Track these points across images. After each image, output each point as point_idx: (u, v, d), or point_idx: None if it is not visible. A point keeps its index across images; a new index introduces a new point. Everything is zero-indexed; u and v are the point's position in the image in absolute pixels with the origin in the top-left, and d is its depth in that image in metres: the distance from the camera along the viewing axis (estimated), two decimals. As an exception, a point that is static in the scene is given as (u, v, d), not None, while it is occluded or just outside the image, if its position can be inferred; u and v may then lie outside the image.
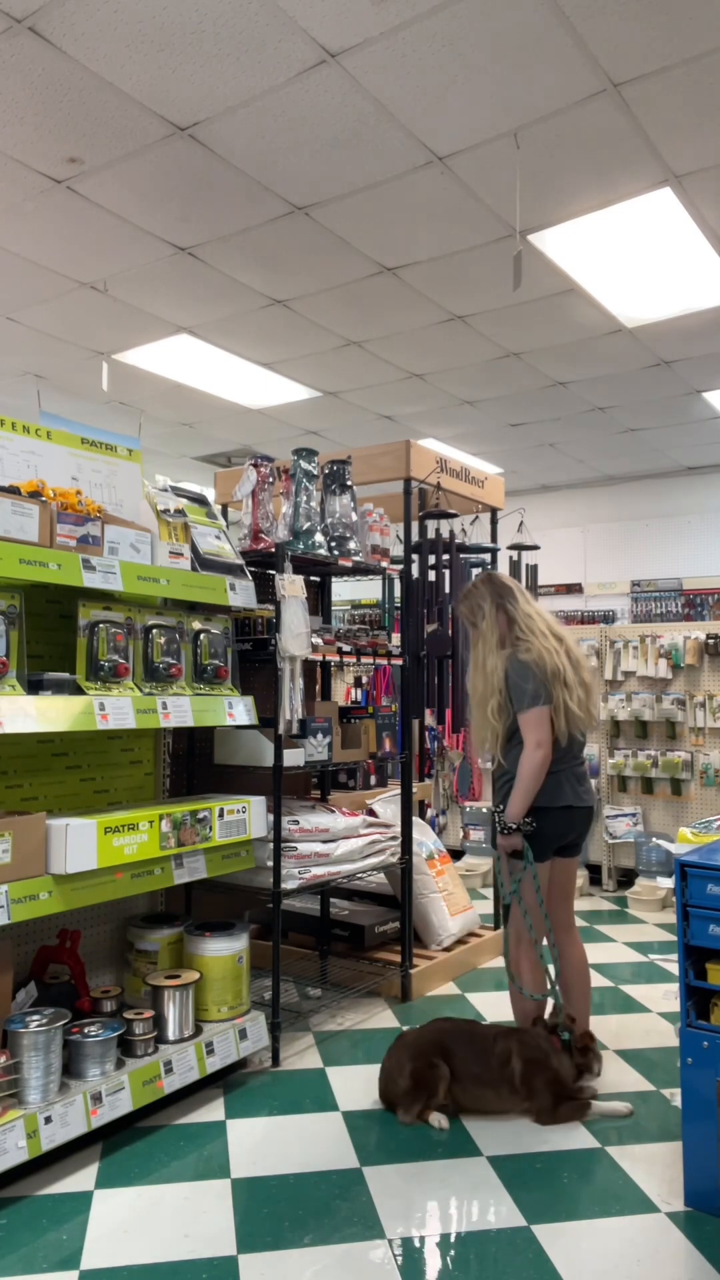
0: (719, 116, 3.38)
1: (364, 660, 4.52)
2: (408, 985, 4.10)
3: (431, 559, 4.37)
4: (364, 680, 7.12)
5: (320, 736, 3.70)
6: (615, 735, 6.46)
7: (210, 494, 3.93)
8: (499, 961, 4.58)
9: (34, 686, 2.78)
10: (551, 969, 3.23)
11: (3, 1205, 2.50)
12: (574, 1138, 2.86)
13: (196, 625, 3.31)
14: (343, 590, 8.92)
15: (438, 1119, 2.92)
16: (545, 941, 3.21)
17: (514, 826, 3.09)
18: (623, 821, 6.31)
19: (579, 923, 5.45)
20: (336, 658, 4.07)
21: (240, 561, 3.52)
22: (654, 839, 5.90)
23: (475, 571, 4.62)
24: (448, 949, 4.45)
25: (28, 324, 5.32)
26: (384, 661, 4.61)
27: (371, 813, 4.37)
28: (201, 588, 3.25)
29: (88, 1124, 2.68)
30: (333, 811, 3.86)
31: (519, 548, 5.29)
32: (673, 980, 4.38)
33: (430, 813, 5.65)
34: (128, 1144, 2.83)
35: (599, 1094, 3.12)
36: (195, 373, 6.08)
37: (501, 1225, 2.41)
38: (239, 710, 3.32)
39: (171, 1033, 3.06)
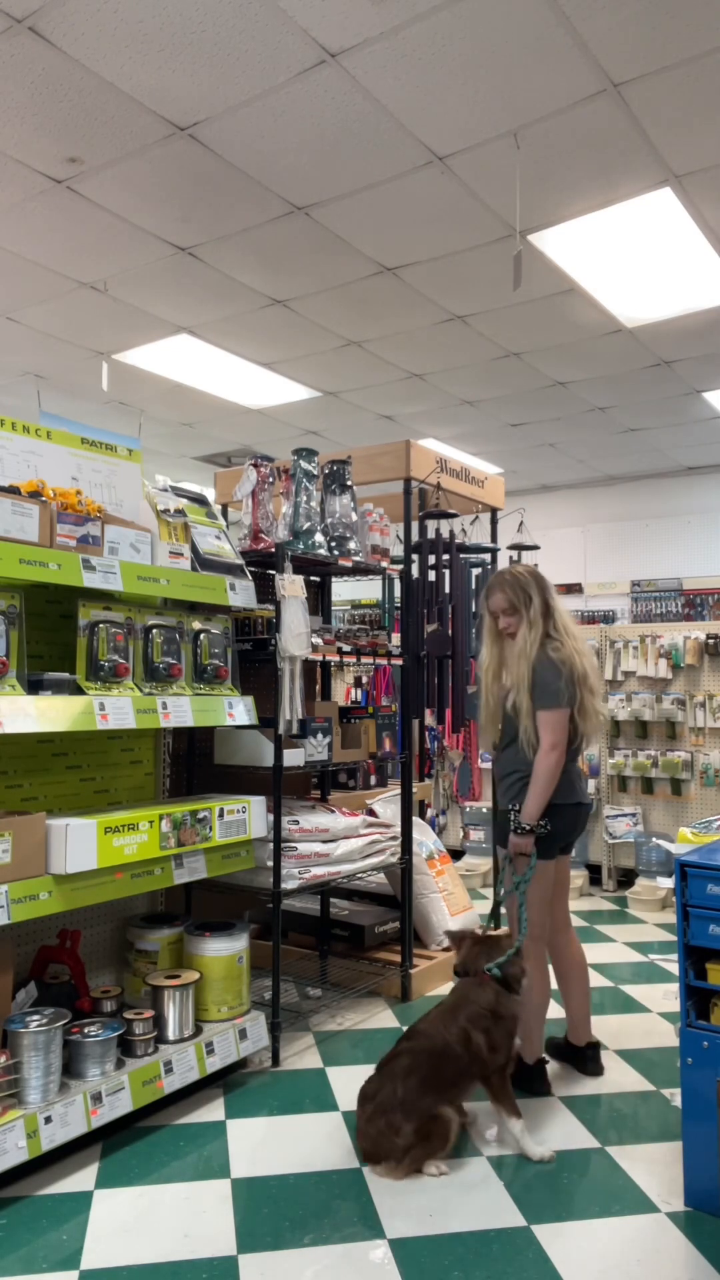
0: (719, 116, 3.38)
1: (364, 660, 4.52)
2: (408, 985, 4.10)
3: (431, 559, 4.37)
4: (364, 680, 7.13)
5: (320, 736, 3.70)
6: (615, 735, 6.46)
7: (210, 494, 3.93)
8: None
9: (34, 686, 2.78)
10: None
11: (3, 1205, 2.50)
12: (574, 1138, 2.86)
13: (196, 625, 3.31)
14: (343, 590, 8.91)
15: (437, 1167, 2.67)
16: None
17: (528, 828, 3.04)
18: (623, 821, 6.31)
19: (579, 923, 5.45)
20: (336, 658, 4.07)
21: (240, 561, 3.52)
22: (654, 839, 5.90)
23: (475, 572, 4.63)
24: (448, 949, 4.45)
25: (28, 324, 5.32)
26: (384, 661, 4.61)
27: (371, 813, 4.37)
28: (201, 588, 3.25)
29: (88, 1124, 2.68)
30: (333, 811, 3.86)
31: (519, 548, 5.29)
32: (673, 980, 4.38)
33: (430, 813, 5.66)
34: (128, 1144, 2.83)
35: (601, 1095, 3.13)
36: (195, 373, 6.08)
37: (501, 1225, 2.41)
38: (239, 710, 3.32)
39: (171, 1033, 3.06)
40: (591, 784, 6.43)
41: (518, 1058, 3.16)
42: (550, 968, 3.31)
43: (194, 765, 3.91)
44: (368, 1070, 3.31)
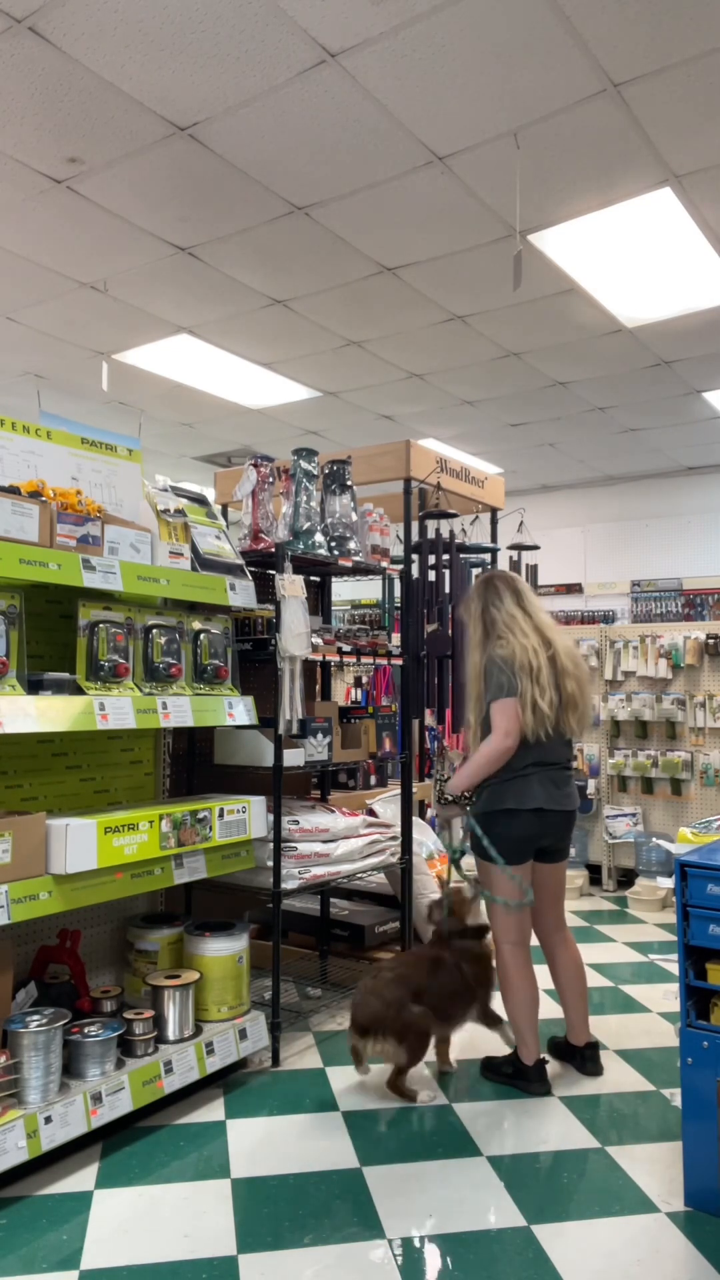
0: (719, 116, 3.38)
1: (364, 660, 4.52)
2: (408, 985, 4.10)
3: (431, 559, 4.37)
4: (364, 680, 7.13)
5: (320, 736, 3.70)
6: (615, 735, 6.46)
7: (210, 494, 3.93)
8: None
9: (34, 686, 2.78)
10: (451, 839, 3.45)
11: (3, 1205, 2.50)
12: (574, 1138, 2.86)
13: (196, 625, 3.31)
14: (343, 590, 8.91)
15: (429, 1093, 3.12)
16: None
17: (450, 797, 3.23)
18: (623, 821, 6.31)
19: (579, 923, 5.45)
20: (336, 658, 4.07)
21: (240, 561, 3.52)
22: (654, 839, 5.90)
23: (475, 571, 4.62)
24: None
25: (28, 324, 5.32)
26: (384, 661, 4.61)
27: (371, 813, 4.37)
28: (201, 588, 3.25)
29: (88, 1124, 2.68)
30: (333, 811, 3.86)
31: (519, 548, 5.29)
32: (673, 980, 4.38)
33: (430, 813, 5.65)
34: (128, 1144, 2.83)
35: (601, 1095, 3.13)
36: (195, 373, 6.08)
37: (501, 1225, 2.41)
38: (239, 710, 3.32)
39: (171, 1033, 3.06)
40: (591, 784, 6.43)
41: (516, 1058, 3.18)
42: (549, 970, 3.33)
43: (194, 765, 3.91)
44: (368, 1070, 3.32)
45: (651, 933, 5.31)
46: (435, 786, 3.29)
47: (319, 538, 3.74)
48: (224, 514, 4.16)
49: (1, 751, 3.04)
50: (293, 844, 3.51)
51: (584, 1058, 3.30)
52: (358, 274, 4.66)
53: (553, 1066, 3.32)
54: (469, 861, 3.37)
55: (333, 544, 3.85)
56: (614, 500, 9.10)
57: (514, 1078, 3.20)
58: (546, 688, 3.15)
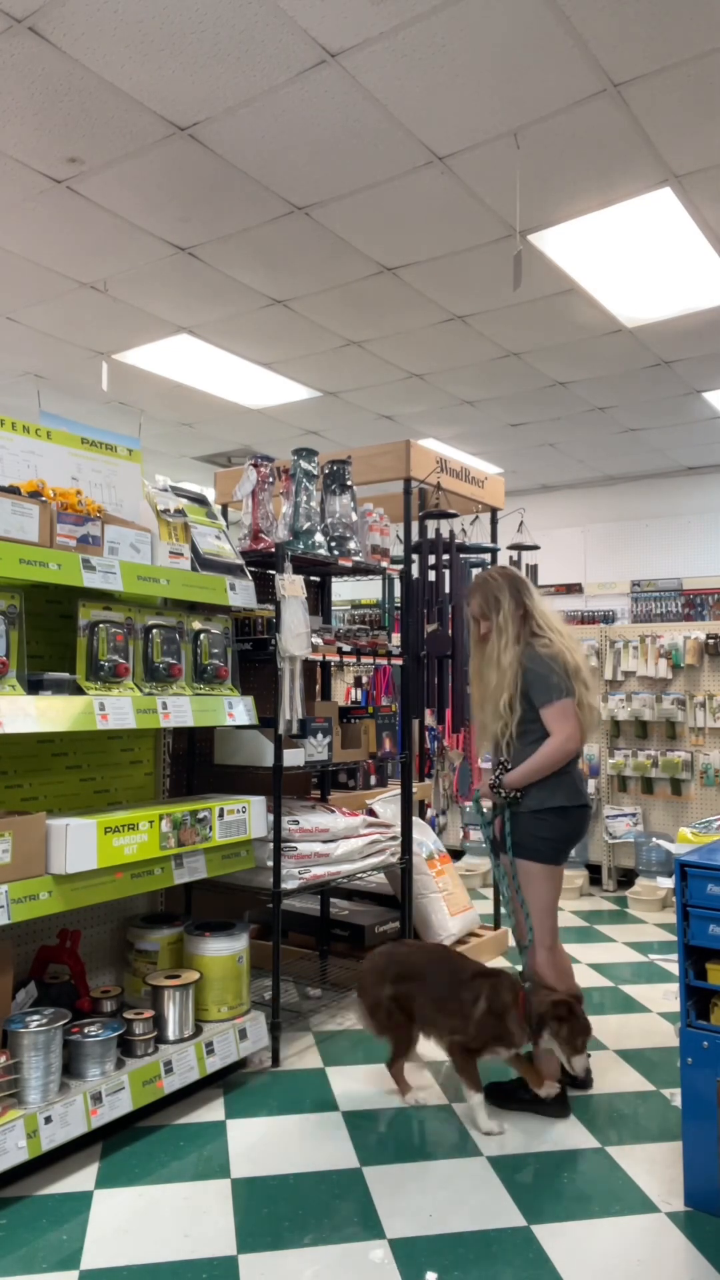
0: (719, 116, 3.38)
1: (364, 660, 4.52)
2: (408, 985, 4.09)
3: (431, 559, 4.37)
4: (364, 680, 7.12)
5: (320, 736, 3.70)
6: (615, 735, 6.46)
7: (210, 494, 3.93)
8: (499, 961, 4.58)
9: (34, 686, 2.78)
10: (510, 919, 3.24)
11: (3, 1205, 2.50)
12: (574, 1137, 2.86)
13: (196, 625, 3.31)
14: (343, 590, 8.91)
15: (414, 1098, 3.09)
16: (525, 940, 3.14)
17: (505, 793, 3.08)
18: (623, 821, 6.31)
19: (579, 923, 5.45)
20: (336, 658, 4.07)
21: (240, 561, 3.52)
22: (654, 839, 5.90)
23: (475, 571, 4.62)
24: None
25: (28, 324, 5.32)
26: (384, 661, 4.61)
27: (371, 813, 4.37)
28: (201, 588, 3.25)
29: (88, 1124, 2.68)
30: (333, 811, 3.86)
31: (519, 548, 5.29)
32: (673, 980, 4.38)
33: (430, 813, 5.65)
34: (128, 1144, 2.83)
35: (601, 1095, 3.13)
36: (195, 373, 6.08)
37: (501, 1225, 2.41)
38: (239, 710, 3.32)
39: (171, 1033, 3.06)
40: (591, 784, 6.43)
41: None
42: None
43: (194, 765, 3.91)
44: (368, 1070, 3.32)
45: (651, 933, 5.31)
46: (489, 779, 3.16)
47: (319, 538, 3.74)
48: (224, 514, 4.16)
49: (1, 751, 3.04)
50: (293, 844, 3.51)
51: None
52: (358, 274, 4.66)
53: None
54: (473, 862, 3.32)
55: (333, 544, 3.85)
56: (614, 500, 9.09)
57: (533, 1103, 3.02)
58: (590, 684, 3.14)
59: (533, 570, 5.22)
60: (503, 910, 3.20)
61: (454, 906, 4.52)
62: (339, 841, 3.69)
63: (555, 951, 3.12)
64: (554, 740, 3.02)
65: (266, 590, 3.74)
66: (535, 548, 5.30)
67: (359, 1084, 3.24)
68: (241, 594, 3.40)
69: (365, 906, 4.61)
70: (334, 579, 4.86)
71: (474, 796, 3.29)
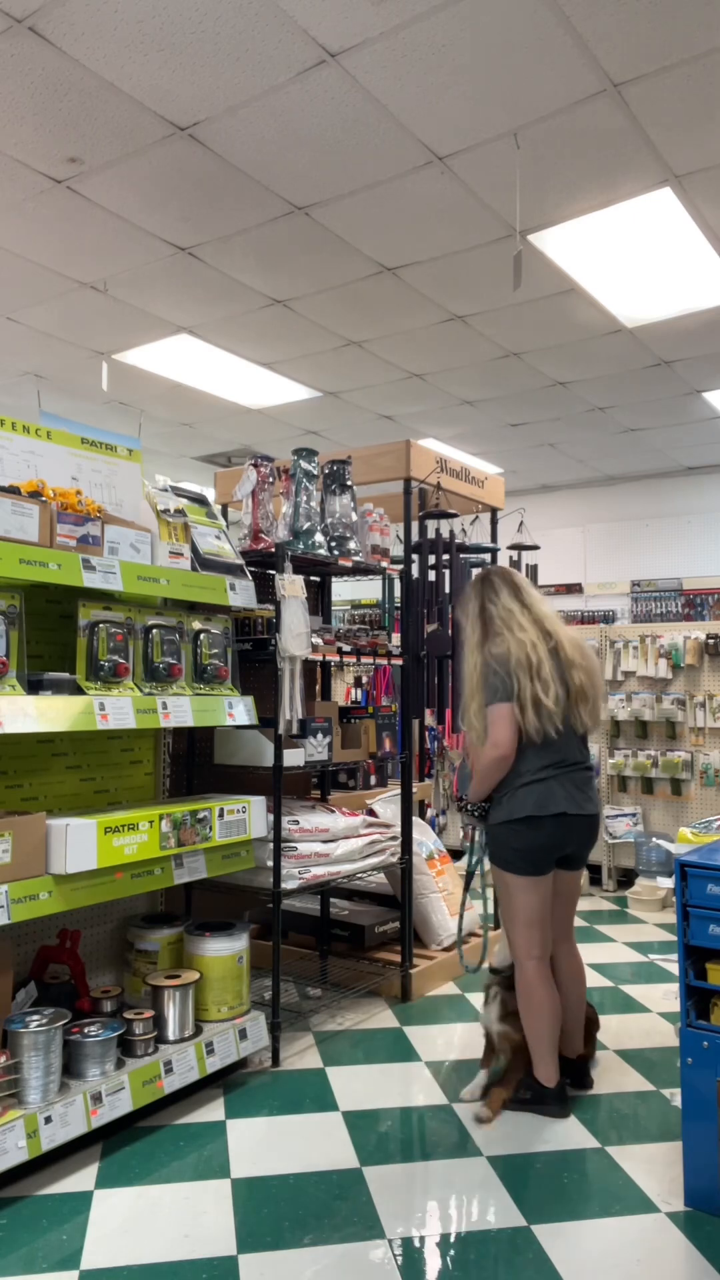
0: (719, 116, 3.38)
1: (364, 660, 4.52)
2: (408, 985, 4.10)
3: (431, 559, 4.37)
4: (364, 680, 7.13)
5: (320, 736, 3.70)
6: (615, 735, 6.46)
7: (210, 494, 3.93)
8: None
9: (34, 686, 2.78)
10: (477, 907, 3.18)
11: (3, 1205, 2.50)
12: (574, 1137, 2.86)
13: (196, 625, 3.31)
14: (343, 590, 8.92)
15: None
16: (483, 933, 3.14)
17: (471, 809, 3.11)
18: (623, 821, 6.31)
19: (579, 923, 5.45)
20: (336, 658, 4.07)
21: (240, 561, 3.52)
22: (654, 839, 5.90)
23: (475, 571, 4.62)
24: (448, 949, 4.45)
25: (28, 324, 5.32)
26: (384, 661, 4.61)
27: (371, 813, 4.37)
28: (201, 588, 3.25)
29: (88, 1124, 2.68)
30: (333, 811, 3.86)
31: (519, 548, 5.29)
32: (673, 980, 4.38)
33: (430, 813, 5.65)
34: (128, 1144, 2.83)
35: (601, 1095, 3.13)
36: (195, 373, 6.08)
37: (501, 1225, 2.41)
38: (239, 710, 3.32)
39: (171, 1033, 3.06)
40: (596, 793, 6.41)
41: (535, 1081, 3.03)
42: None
43: (194, 765, 3.91)
44: (368, 1070, 3.32)
45: (651, 933, 5.31)
46: (458, 798, 3.19)
47: (319, 538, 3.74)
48: (224, 514, 4.16)
49: (1, 751, 3.04)
50: (293, 844, 3.51)
51: (574, 1069, 3.20)
52: (358, 274, 4.66)
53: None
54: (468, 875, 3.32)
55: (333, 544, 3.85)
56: (614, 500, 9.09)
57: (533, 1102, 3.02)
58: (550, 682, 2.99)
59: (533, 570, 5.22)
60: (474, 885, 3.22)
61: (454, 906, 4.52)
62: (339, 841, 3.69)
63: (545, 961, 3.04)
64: (484, 748, 2.98)
65: (266, 590, 3.74)
66: (535, 548, 5.30)
67: (359, 1084, 3.24)
68: (241, 594, 3.40)
69: (365, 906, 4.61)
70: (334, 579, 4.86)
71: (461, 842, 3.29)
